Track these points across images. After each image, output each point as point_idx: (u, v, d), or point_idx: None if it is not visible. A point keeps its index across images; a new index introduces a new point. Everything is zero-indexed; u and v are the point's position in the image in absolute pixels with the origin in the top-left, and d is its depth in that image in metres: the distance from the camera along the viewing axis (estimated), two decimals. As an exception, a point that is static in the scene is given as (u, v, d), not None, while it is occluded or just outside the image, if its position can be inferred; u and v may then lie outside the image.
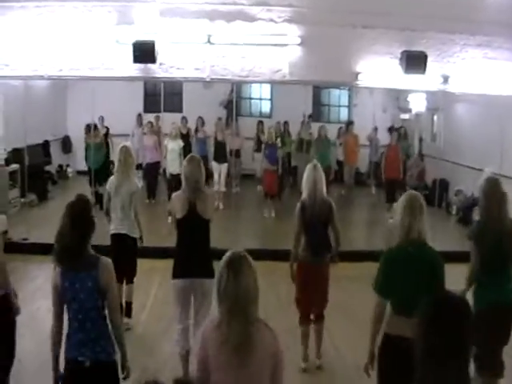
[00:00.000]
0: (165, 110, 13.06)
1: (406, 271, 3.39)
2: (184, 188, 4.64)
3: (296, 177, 12.26)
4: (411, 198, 3.53)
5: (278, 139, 11.65)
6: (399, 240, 3.47)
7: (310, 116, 13.90)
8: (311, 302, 5.16)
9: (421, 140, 14.01)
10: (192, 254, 4.57)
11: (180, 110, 14.65)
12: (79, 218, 3.21)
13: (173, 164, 10.41)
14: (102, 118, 12.24)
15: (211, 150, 11.94)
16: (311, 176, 5.02)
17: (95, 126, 11.35)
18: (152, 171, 11.84)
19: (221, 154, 11.70)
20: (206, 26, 8.09)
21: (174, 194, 4.75)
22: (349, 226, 10.39)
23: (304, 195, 5.06)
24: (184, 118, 12.64)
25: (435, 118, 13.16)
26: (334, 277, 5.30)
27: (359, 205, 12.88)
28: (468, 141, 11.36)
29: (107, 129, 12.48)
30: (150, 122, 12.43)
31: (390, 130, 13.84)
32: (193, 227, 4.59)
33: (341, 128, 13.55)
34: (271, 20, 8.15)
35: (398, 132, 12.98)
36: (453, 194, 11.96)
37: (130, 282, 5.91)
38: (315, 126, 13.35)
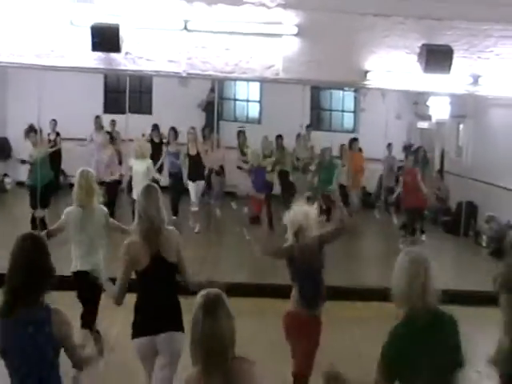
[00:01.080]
0: (130, 111, 13.05)
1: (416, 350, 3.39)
2: (140, 229, 4.61)
3: (294, 196, 12.25)
4: (414, 261, 3.49)
5: (268, 159, 11.64)
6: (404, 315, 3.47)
7: (308, 126, 13.86)
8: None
9: (443, 154, 14.11)
10: (159, 306, 4.62)
11: (149, 112, 14.69)
12: (30, 265, 3.31)
13: (137, 187, 10.24)
14: (54, 122, 12.18)
15: (186, 165, 11.92)
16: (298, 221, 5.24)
17: (41, 130, 11.14)
18: (109, 192, 11.00)
19: (195, 170, 11.71)
20: (182, 9, 8.10)
21: (125, 242, 4.65)
22: (358, 259, 10.39)
23: (290, 241, 5.28)
24: (156, 127, 12.55)
25: (461, 127, 13.28)
26: (342, 319, 5.31)
27: (369, 233, 12.85)
28: (502, 156, 11.41)
29: (57, 135, 12.42)
30: (108, 132, 12.23)
31: (406, 149, 13.89)
32: (159, 277, 4.61)
33: (343, 146, 13.30)
34: (262, 4, 8.18)
35: (416, 155, 12.72)
36: (483, 221, 12.00)
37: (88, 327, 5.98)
38: (313, 136, 13.43)
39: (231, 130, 13.97)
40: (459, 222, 10.91)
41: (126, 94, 11.48)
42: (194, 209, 11.58)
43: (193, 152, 11.66)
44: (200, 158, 11.72)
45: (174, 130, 12.07)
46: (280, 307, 5.32)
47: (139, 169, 10.41)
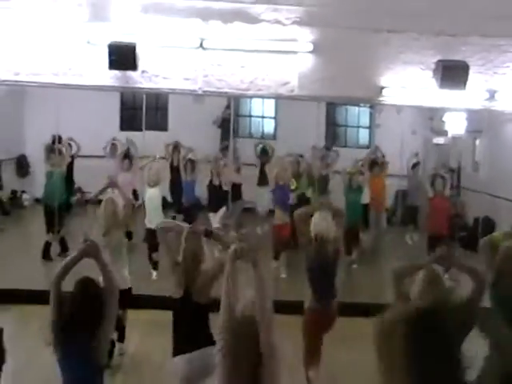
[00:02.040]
0: (146, 128, 13.12)
1: None
2: None
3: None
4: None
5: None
6: None
7: (327, 148, 13.52)
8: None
9: (459, 169, 14.02)
10: None
11: (164, 128, 14.75)
12: None
13: (150, 216, 9.92)
14: (69, 146, 12.27)
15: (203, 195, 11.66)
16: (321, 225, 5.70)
17: (60, 151, 11.07)
18: None
19: (217, 200, 11.39)
20: (198, 27, 8.15)
21: None
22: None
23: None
24: (176, 148, 12.24)
25: (477, 142, 13.19)
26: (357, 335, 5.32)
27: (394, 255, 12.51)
28: (519, 171, 11.32)
29: (72, 157, 12.50)
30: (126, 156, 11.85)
31: (414, 167, 13.69)
32: None
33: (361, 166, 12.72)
34: (277, 21, 8.22)
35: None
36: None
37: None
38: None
39: (246, 146, 13.98)
40: (476, 237, 10.75)
41: (143, 111, 11.53)
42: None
43: (216, 182, 11.35)
44: (222, 188, 11.39)
45: (191, 161, 11.63)
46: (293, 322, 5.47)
47: (152, 195, 10.05)
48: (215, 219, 11.14)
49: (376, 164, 12.55)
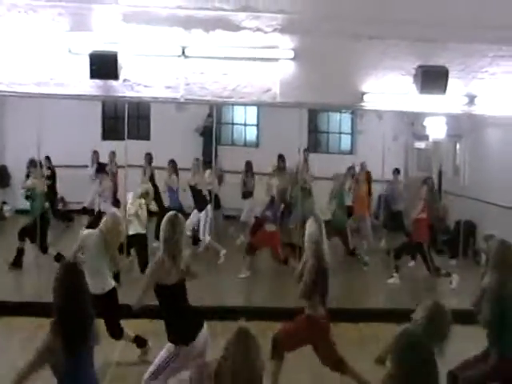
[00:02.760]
0: (129, 137, 13.05)
1: None
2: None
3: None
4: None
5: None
6: None
7: (305, 150, 13.59)
8: None
9: (440, 173, 14.12)
10: None
11: (147, 137, 14.68)
12: None
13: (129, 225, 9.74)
14: (48, 160, 12.25)
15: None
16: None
17: (41, 164, 10.99)
18: None
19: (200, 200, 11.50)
20: (179, 36, 8.17)
21: None
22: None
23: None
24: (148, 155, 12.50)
25: (458, 146, 13.29)
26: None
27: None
28: (499, 174, 11.41)
29: (52, 171, 12.48)
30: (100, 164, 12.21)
31: (394, 173, 13.78)
32: None
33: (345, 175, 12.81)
34: (259, 29, 8.27)
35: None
36: (481, 240, 11.95)
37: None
38: (311, 158, 13.41)
39: (228, 154, 13.98)
40: (457, 240, 10.84)
41: (125, 120, 11.48)
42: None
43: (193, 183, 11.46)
44: (201, 190, 11.48)
45: (173, 163, 11.83)
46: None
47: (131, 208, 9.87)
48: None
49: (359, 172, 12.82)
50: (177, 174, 11.72)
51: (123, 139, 11.60)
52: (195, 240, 11.53)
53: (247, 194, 12.69)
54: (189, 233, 10.91)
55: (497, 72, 8.39)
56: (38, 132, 10.37)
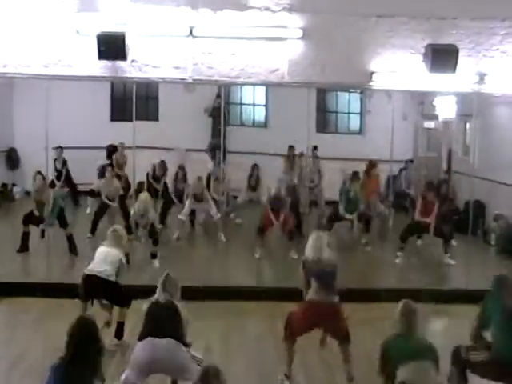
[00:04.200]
0: (137, 118, 13.07)
1: None
2: None
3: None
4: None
5: None
6: None
7: (315, 148, 13.43)
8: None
9: (450, 153, 14.07)
10: None
11: (155, 118, 14.70)
12: None
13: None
14: (60, 150, 12.46)
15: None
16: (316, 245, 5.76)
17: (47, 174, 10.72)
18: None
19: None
20: (187, 16, 8.14)
21: None
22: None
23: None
24: (162, 163, 12.52)
25: (468, 126, 13.22)
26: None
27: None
28: (509, 154, 11.37)
29: (64, 163, 12.71)
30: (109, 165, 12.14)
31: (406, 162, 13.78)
32: None
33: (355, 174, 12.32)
34: (267, 8, 8.22)
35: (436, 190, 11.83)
36: (491, 220, 11.94)
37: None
38: (320, 138, 13.36)
39: (237, 134, 13.99)
40: (467, 220, 10.82)
41: (133, 101, 11.50)
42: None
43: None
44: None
45: (182, 168, 12.08)
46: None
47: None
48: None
49: (374, 167, 12.81)
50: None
51: (131, 120, 11.64)
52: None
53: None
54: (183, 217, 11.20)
55: (507, 50, 8.29)
56: (47, 114, 10.41)
